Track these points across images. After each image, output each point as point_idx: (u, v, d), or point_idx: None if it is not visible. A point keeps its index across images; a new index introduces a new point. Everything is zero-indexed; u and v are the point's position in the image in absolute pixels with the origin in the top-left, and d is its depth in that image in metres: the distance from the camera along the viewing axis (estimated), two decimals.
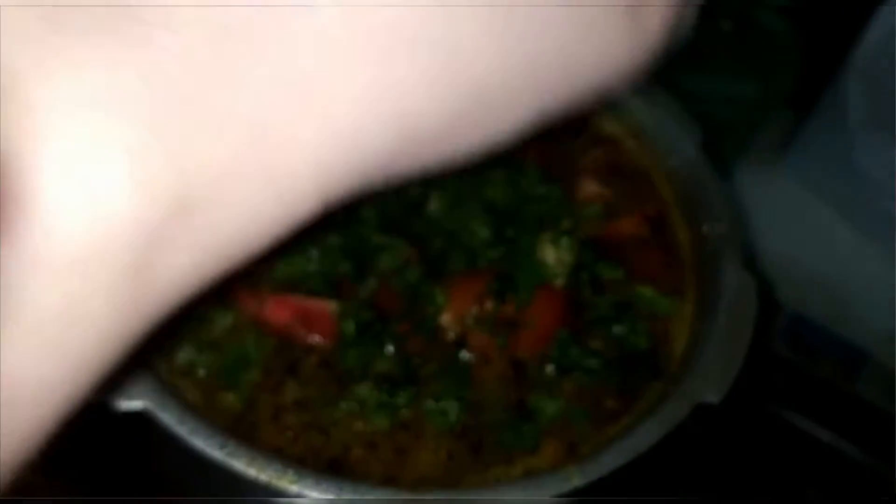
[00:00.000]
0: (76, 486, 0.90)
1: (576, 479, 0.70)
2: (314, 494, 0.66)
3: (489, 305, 0.81)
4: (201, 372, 0.77)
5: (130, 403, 0.68)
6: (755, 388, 1.17)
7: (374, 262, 0.82)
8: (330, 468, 0.73)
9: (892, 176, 1.38)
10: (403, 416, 0.77)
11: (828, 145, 1.45)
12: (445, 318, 0.82)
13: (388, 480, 0.73)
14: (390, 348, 0.80)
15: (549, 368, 0.82)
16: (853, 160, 1.41)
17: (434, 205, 0.87)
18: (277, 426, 0.75)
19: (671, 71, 1.31)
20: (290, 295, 0.80)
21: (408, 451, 0.75)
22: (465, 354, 0.81)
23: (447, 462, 0.75)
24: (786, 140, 1.57)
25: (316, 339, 0.80)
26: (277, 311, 0.80)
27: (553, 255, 0.85)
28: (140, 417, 0.68)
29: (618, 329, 0.85)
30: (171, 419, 0.68)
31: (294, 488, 0.66)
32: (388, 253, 0.83)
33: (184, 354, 0.77)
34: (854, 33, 1.38)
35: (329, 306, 0.80)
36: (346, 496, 0.67)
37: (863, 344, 1.34)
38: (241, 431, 0.73)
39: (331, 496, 0.66)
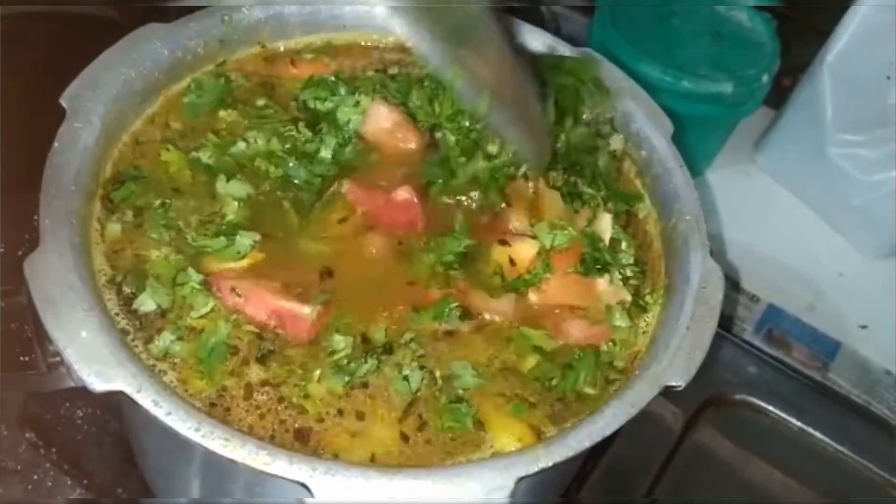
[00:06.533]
0: (59, 469, 0.92)
1: (543, 460, 0.71)
2: (288, 476, 0.67)
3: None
4: (178, 357, 0.78)
5: (108, 385, 0.69)
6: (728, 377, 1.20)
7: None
8: (297, 439, 0.75)
9: (862, 171, 1.40)
10: (364, 380, 0.79)
11: (801, 141, 1.47)
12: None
13: (363, 461, 0.74)
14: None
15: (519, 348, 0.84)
16: (825, 156, 1.43)
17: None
18: (249, 405, 0.76)
19: (648, 66, 1.32)
20: (268, 295, 0.82)
21: (366, 418, 0.77)
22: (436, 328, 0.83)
23: (421, 443, 0.77)
24: (760, 136, 1.59)
25: (290, 336, 0.81)
26: (255, 308, 0.81)
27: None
28: (118, 400, 0.69)
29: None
30: (147, 401, 0.69)
31: (268, 469, 0.67)
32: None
33: (162, 340, 0.78)
34: (827, 32, 1.40)
35: (303, 310, 0.81)
36: (319, 476, 0.68)
37: (835, 334, 1.36)
38: (216, 414, 0.75)
39: (304, 477, 0.67)
